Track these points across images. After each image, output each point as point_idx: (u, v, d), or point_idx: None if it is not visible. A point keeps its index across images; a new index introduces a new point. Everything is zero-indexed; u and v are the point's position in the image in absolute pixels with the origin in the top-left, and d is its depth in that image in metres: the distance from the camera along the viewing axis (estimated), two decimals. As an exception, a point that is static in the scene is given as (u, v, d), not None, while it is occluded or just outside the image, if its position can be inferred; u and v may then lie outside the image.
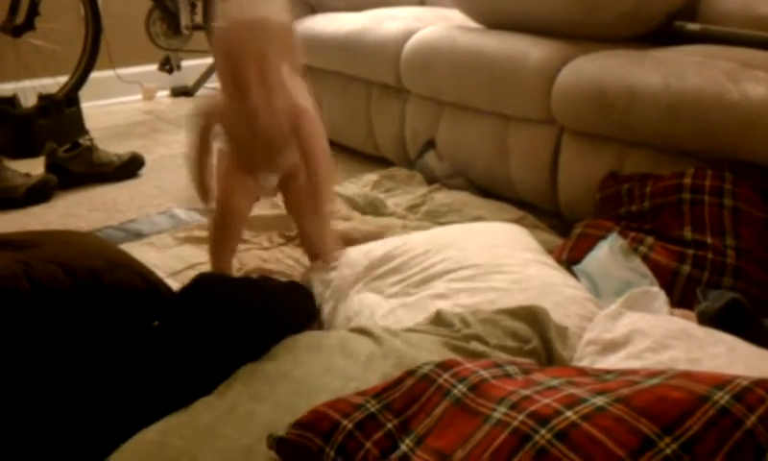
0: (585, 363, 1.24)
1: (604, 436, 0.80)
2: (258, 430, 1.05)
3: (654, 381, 0.88)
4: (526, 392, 0.91)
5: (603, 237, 1.57)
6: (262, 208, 2.14)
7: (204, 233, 1.99)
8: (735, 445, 0.77)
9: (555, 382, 0.94)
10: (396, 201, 2.18)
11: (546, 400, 0.88)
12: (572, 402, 0.86)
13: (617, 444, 0.79)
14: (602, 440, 0.80)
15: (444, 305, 1.37)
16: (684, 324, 1.27)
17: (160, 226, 2.16)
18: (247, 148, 1.64)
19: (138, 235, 2.10)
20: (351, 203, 2.15)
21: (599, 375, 0.98)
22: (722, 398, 0.81)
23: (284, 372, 1.19)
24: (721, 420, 0.79)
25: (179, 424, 1.09)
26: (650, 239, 1.57)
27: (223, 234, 1.70)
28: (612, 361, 1.23)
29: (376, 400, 1.00)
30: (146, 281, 1.54)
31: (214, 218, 1.70)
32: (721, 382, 0.84)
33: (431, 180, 2.32)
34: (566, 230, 1.86)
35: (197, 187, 1.67)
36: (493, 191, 2.21)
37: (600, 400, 0.85)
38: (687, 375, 0.88)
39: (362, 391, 1.04)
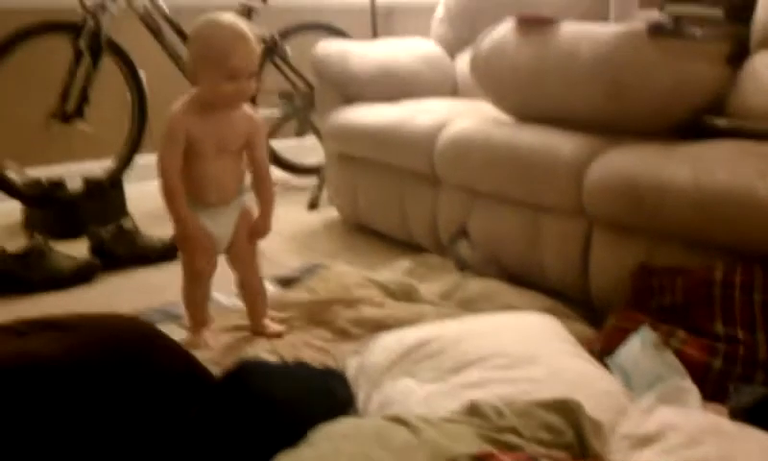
0: (618, 457, 1.26)
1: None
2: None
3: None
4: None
5: (635, 330, 1.59)
6: (297, 292, 2.20)
7: (243, 320, 2.04)
8: None
9: None
10: (428, 288, 2.22)
11: None
12: None
13: None
14: None
15: (477, 394, 1.39)
16: (716, 419, 1.29)
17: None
18: (207, 157, 1.82)
19: (178, 318, 2.15)
20: (385, 289, 2.19)
21: None
22: None
23: (323, 459, 1.22)
24: None
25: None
26: (681, 333, 1.59)
27: (192, 293, 1.98)
28: (646, 456, 1.25)
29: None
30: (187, 365, 1.59)
31: (183, 282, 1.98)
32: None
33: (463, 267, 2.36)
34: (598, 320, 1.89)
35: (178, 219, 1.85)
36: (525, 280, 2.25)
37: None
38: None
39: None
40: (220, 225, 1.89)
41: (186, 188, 1.82)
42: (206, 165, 1.82)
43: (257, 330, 1.99)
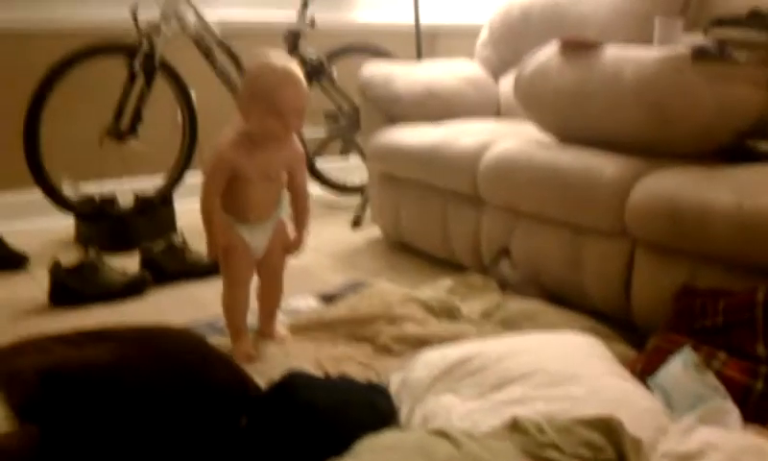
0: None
1: None
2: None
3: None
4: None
5: (676, 351, 1.60)
6: (339, 308, 2.24)
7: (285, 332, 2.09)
8: None
9: None
10: (470, 307, 2.25)
11: None
12: None
13: None
14: None
15: (518, 411, 1.42)
16: (756, 440, 1.30)
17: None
18: (252, 185, 1.94)
19: (225, 331, 2.20)
20: (426, 307, 2.22)
21: None
22: None
23: (367, 470, 1.26)
24: None
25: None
26: (723, 355, 1.60)
27: (234, 301, 2.07)
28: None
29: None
30: (236, 377, 1.64)
31: (224, 291, 2.08)
32: None
33: (505, 287, 2.39)
34: (640, 341, 1.90)
35: (211, 241, 1.98)
36: (566, 300, 2.26)
37: None
38: None
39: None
40: (256, 237, 2.02)
41: (229, 207, 1.97)
42: (250, 190, 1.95)
43: (267, 333, 2.12)
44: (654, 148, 2.18)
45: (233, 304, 2.07)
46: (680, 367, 1.53)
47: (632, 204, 2.03)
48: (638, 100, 2.11)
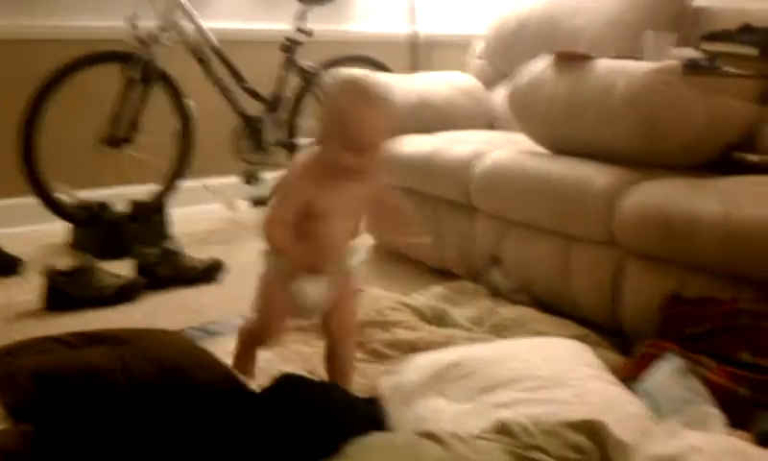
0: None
1: None
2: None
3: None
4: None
5: (663, 357, 1.63)
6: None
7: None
8: None
9: None
10: (461, 313, 2.27)
11: None
12: None
13: None
14: None
15: (506, 414, 1.44)
16: (740, 443, 1.32)
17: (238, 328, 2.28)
18: (325, 221, 1.64)
19: (217, 335, 2.22)
20: (418, 313, 2.24)
21: None
22: None
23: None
24: None
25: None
26: (709, 361, 1.62)
27: (252, 347, 1.82)
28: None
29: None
30: (229, 381, 1.65)
31: (252, 331, 1.81)
32: None
33: (496, 294, 2.41)
34: (628, 349, 1.92)
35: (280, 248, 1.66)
36: (556, 308, 2.29)
37: None
38: None
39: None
40: (319, 288, 1.69)
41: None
42: (322, 228, 1.65)
43: None
44: (645, 159, 2.21)
45: (241, 364, 1.80)
46: (666, 372, 1.56)
47: (621, 213, 2.06)
48: (629, 112, 2.14)
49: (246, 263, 3.06)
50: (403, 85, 3.22)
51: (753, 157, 2.18)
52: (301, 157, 1.72)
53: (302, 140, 3.98)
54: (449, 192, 2.71)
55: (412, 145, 2.93)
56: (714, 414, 1.44)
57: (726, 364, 1.61)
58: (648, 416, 1.47)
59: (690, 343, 1.71)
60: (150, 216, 3.36)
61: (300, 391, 1.51)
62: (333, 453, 1.36)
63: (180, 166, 3.59)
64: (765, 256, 1.74)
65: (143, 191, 3.55)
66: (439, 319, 2.23)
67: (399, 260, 3.08)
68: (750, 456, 1.28)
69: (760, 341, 1.62)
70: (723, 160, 2.22)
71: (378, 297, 2.33)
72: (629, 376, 1.66)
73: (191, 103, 3.56)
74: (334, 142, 1.59)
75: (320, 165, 1.63)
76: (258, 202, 4.18)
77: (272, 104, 3.87)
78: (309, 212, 1.62)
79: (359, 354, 2.02)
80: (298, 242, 1.62)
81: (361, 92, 1.70)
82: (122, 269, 2.78)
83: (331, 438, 1.39)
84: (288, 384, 1.53)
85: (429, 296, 2.43)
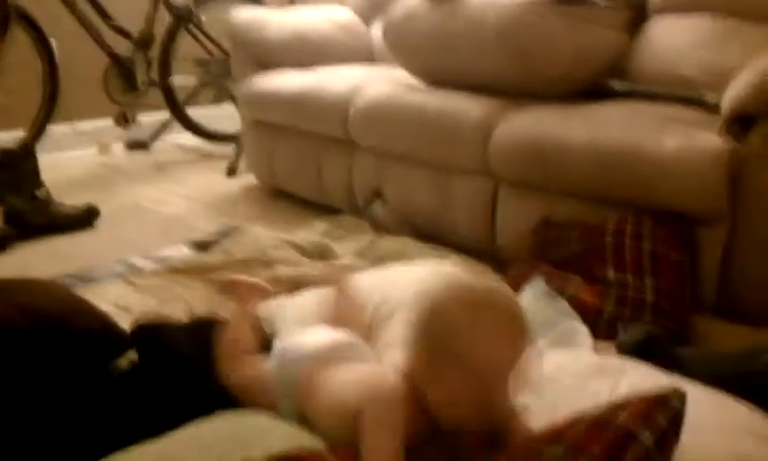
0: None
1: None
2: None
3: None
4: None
5: (533, 279, 1.69)
6: (213, 254, 2.23)
7: (157, 280, 2.07)
8: (612, 439, 0.91)
9: None
10: (343, 248, 2.28)
11: None
12: None
13: None
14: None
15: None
16: (600, 358, 1.39)
17: (116, 274, 2.22)
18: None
19: (92, 281, 2.16)
20: (301, 249, 2.24)
21: None
22: (595, 411, 0.98)
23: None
24: (595, 424, 0.97)
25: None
26: (577, 280, 1.70)
27: None
28: (543, 395, 1.33)
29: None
30: (103, 326, 1.62)
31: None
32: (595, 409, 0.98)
33: (378, 227, 2.43)
34: (504, 273, 1.99)
35: None
36: (438, 238, 2.33)
37: None
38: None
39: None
40: None
41: None
42: None
43: None
44: (517, 90, 2.26)
45: None
46: (530, 298, 1.62)
47: (494, 143, 2.11)
48: (501, 44, 2.17)
49: (121, 208, 2.98)
50: (278, 20, 3.15)
51: (620, 85, 2.26)
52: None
53: (177, 79, 3.86)
54: (328, 128, 2.69)
55: (289, 81, 2.89)
56: (580, 329, 1.51)
57: (592, 282, 1.69)
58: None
59: (560, 264, 1.78)
60: (18, 164, 3.18)
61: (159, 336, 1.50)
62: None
63: (47, 110, 3.42)
64: (630, 179, 1.82)
65: (9, 138, 3.37)
66: (321, 254, 2.24)
67: (282, 198, 3.06)
68: (612, 368, 1.35)
69: (624, 258, 1.70)
70: (593, 88, 2.29)
71: (260, 235, 2.32)
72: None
73: (53, 42, 3.38)
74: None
75: None
76: (133, 145, 4.06)
77: (142, 42, 3.72)
78: None
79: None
80: None
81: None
82: (-11, 219, 2.66)
83: (198, 379, 1.38)
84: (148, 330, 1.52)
85: (312, 232, 2.44)
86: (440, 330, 1.05)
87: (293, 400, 1.25)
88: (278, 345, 1.36)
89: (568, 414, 1.04)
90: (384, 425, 1.04)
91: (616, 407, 0.98)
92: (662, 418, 0.96)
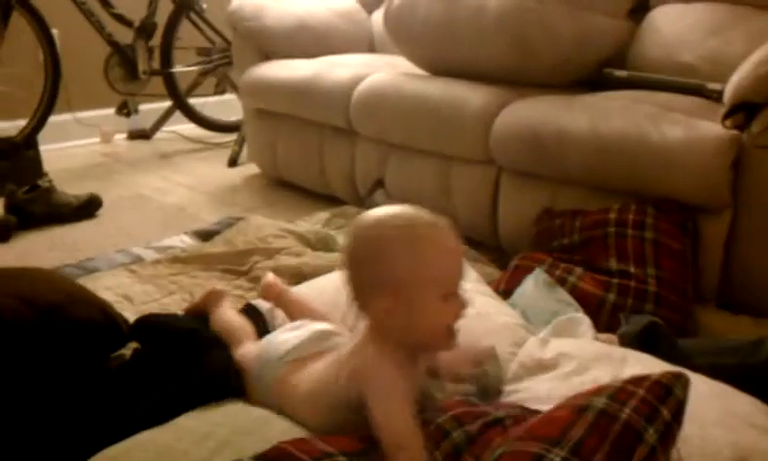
0: (515, 384, 1.34)
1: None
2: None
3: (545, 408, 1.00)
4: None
5: (531, 272, 1.68)
6: (215, 244, 2.23)
7: (158, 270, 2.07)
8: (617, 437, 0.90)
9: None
10: (345, 237, 2.28)
11: None
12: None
13: None
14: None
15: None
16: (604, 347, 1.39)
17: (118, 263, 2.22)
18: None
19: (93, 272, 2.15)
20: (303, 239, 2.24)
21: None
22: (599, 402, 0.94)
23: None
24: (600, 420, 0.93)
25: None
26: (579, 270, 1.70)
27: None
28: (542, 381, 1.34)
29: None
30: (105, 315, 1.61)
31: None
32: (598, 390, 0.97)
33: (380, 217, 2.43)
34: (506, 263, 1.98)
35: None
36: (439, 228, 2.33)
37: (499, 451, 0.98)
38: (575, 395, 1.01)
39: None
40: None
41: None
42: None
43: None
44: (518, 78, 2.25)
45: None
46: (531, 287, 1.62)
47: (495, 131, 2.10)
48: (501, 31, 2.16)
49: (122, 197, 2.98)
50: (280, 8, 3.14)
51: (621, 73, 2.25)
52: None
53: (178, 68, 3.86)
54: (330, 117, 2.69)
55: (290, 70, 2.88)
56: (582, 320, 1.50)
57: (594, 272, 1.69)
58: (521, 325, 1.52)
59: (562, 254, 1.78)
60: (19, 153, 3.19)
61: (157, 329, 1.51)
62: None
63: (49, 99, 3.42)
64: (630, 167, 1.81)
65: (11, 127, 3.37)
66: (323, 244, 2.23)
67: (284, 188, 3.06)
68: (613, 357, 1.35)
69: (626, 248, 1.70)
70: (594, 77, 2.28)
71: (261, 224, 2.31)
72: (504, 289, 1.72)
73: (55, 31, 3.38)
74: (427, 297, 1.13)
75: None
76: (135, 134, 4.05)
77: (143, 31, 3.71)
78: None
79: (243, 282, 2.02)
80: None
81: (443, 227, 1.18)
82: (-9, 208, 2.66)
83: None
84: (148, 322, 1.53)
85: (313, 221, 2.43)
86: (361, 256, 1.15)
87: (268, 397, 1.29)
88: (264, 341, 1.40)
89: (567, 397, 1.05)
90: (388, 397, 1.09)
91: (620, 396, 0.97)
92: (667, 411, 0.96)
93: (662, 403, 0.96)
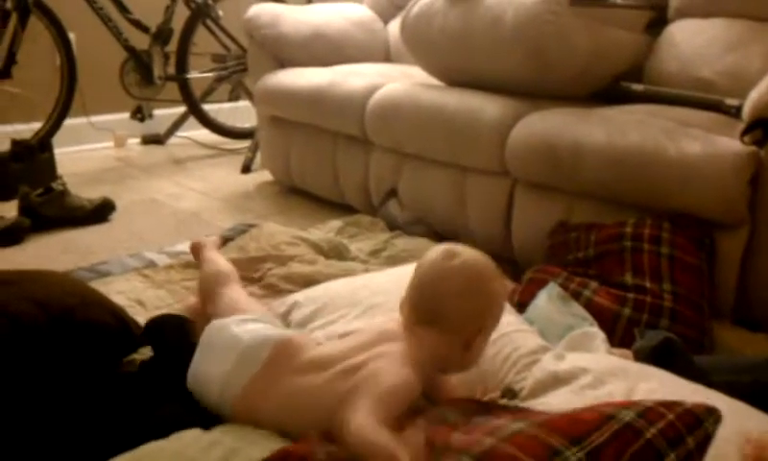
0: (530, 401, 1.33)
1: (516, 450, 0.90)
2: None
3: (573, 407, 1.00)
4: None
5: (545, 286, 1.67)
6: (228, 251, 2.23)
7: (171, 275, 2.07)
8: (636, 452, 0.88)
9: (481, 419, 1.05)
10: (358, 246, 2.28)
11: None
12: (492, 431, 0.97)
13: (528, 455, 0.89)
14: (514, 454, 0.90)
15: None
16: (620, 361, 1.38)
17: (130, 267, 2.22)
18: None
19: (107, 276, 2.16)
20: (316, 247, 2.23)
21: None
22: (627, 415, 0.93)
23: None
24: (624, 432, 0.92)
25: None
26: (594, 284, 1.68)
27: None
28: (558, 395, 1.33)
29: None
30: (117, 319, 1.61)
31: None
32: (629, 404, 0.96)
33: (393, 227, 2.43)
34: (520, 276, 1.97)
35: None
36: (453, 238, 2.31)
37: (517, 426, 0.96)
38: (605, 403, 0.99)
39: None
40: None
41: None
42: None
43: None
44: (534, 90, 2.25)
45: None
46: (545, 301, 1.61)
47: (511, 143, 2.10)
48: (518, 43, 2.16)
49: (136, 202, 2.99)
50: (297, 17, 3.15)
51: (638, 87, 2.24)
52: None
53: (193, 74, 3.87)
54: (345, 126, 2.69)
55: (305, 78, 2.89)
56: (597, 334, 1.49)
57: (610, 286, 1.68)
58: (535, 337, 1.51)
59: (577, 267, 1.77)
60: (34, 155, 3.20)
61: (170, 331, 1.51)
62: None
63: (64, 103, 3.43)
64: (647, 181, 1.80)
65: (25, 130, 3.39)
66: (336, 252, 2.23)
67: (297, 195, 3.06)
68: (629, 372, 1.34)
69: (642, 263, 1.69)
70: (611, 90, 2.27)
71: (275, 232, 2.31)
72: (518, 302, 1.71)
73: (71, 35, 3.39)
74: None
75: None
76: (149, 139, 4.07)
77: (159, 36, 3.73)
78: None
79: (255, 289, 2.01)
80: None
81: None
82: (5, 210, 2.68)
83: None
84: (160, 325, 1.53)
85: (327, 230, 2.43)
86: (430, 293, 1.22)
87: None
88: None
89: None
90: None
91: (650, 415, 0.96)
92: (692, 441, 0.95)
93: (690, 433, 0.95)
